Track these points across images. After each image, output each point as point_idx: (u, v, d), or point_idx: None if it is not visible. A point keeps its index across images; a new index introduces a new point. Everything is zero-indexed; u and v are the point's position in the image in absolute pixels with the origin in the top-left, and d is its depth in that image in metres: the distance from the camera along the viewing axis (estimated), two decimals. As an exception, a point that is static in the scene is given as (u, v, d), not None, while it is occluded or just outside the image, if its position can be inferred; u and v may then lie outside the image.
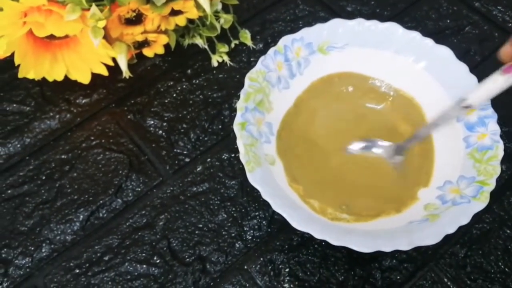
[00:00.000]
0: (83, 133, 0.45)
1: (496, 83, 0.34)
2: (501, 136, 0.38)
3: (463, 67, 0.41)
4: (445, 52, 0.41)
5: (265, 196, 0.34)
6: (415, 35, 0.42)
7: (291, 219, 0.34)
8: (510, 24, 0.52)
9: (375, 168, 0.41)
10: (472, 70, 0.40)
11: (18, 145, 0.45)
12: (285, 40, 0.42)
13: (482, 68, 0.48)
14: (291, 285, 0.38)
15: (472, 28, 0.51)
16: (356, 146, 0.42)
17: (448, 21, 0.52)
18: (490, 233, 0.40)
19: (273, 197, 0.35)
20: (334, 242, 0.33)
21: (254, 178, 0.35)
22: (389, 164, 0.41)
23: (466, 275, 0.38)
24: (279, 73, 0.42)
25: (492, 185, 0.35)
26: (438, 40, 0.42)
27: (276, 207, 0.34)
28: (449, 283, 0.38)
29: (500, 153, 0.37)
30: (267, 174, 0.37)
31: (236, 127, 0.37)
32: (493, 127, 0.38)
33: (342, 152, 0.42)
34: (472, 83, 0.40)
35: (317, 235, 0.33)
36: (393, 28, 0.43)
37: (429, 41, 0.42)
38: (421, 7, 0.53)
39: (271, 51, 0.42)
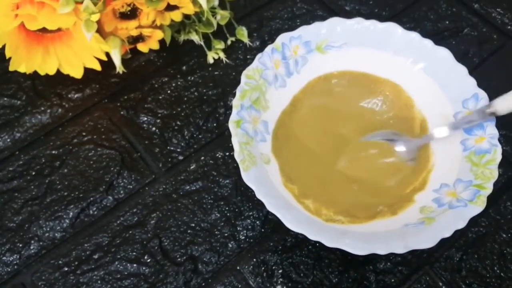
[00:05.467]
0: (74, 128, 0.44)
1: None
2: (499, 140, 0.37)
3: (462, 69, 0.40)
4: (444, 54, 0.41)
5: (259, 195, 0.34)
6: (414, 36, 0.42)
7: (285, 220, 0.33)
8: (509, 27, 0.51)
9: (372, 169, 0.40)
10: (471, 72, 0.40)
11: (8, 140, 0.44)
12: (283, 37, 0.42)
13: (481, 70, 0.48)
14: (284, 287, 0.37)
15: (471, 30, 0.51)
16: (377, 136, 0.41)
17: (447, 22, 0.52)
18: (486, 237, 0.39)
19: (268, 197, 0.34)
20: (329, 243, 0.32)
21: (248, 177, 0.35)
22: (399, 162, 0.40)
23: (461, 279, 0.38)
24: (276, 71, 0.41)
25: (489, 189, 0.35)
26: (436, 42, 0.42)
27: (270, 207, 0.34)
28: (444, 287, 0.37)
29: (498, 157, 0.36)
30: (262, 174, 0.36)
31: (231, 124, 0.37)
32: (491, 131, 0.38)
33: (358, 139, 0.41)
34: (470, 85, 0.39)
35: (312, 236, 0.33)
36: (392, 28, 0.42)
37: (428, 42, 0.41)
38: (420, 8, 0.53)
39: (268, 48, 0.41)
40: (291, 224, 0.33)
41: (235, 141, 0.36)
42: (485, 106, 0.37)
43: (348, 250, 0.32)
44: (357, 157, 0.41)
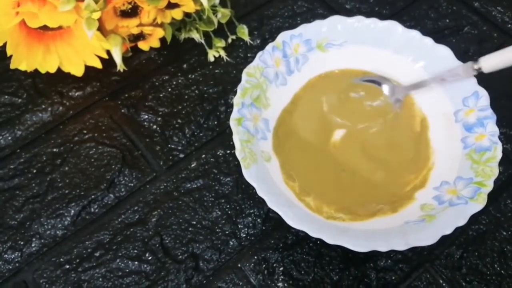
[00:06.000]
0: (75, 126, 0.45)
1: None
2: (499, 137, 0.37)
3: (462, 67, 0.40)
4: (444, 52, 0.41)
5: (260, 193, 0.34)
6: (415, 34, 0.42)
7: (287, 217, 0.33)
8: (509, 25, 0.51)
9: (373, 164, 0.40)
10: (471, 70, 0.40)
11: (9, 138, 0.44)
12: (283, 36, 0.42)
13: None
14: (285, 284, 0.37)
15: (471, 29, 0.51)
16: (362, 79, 0.43)
17: (447, 21, 0.52)
18: (486, 235, 0.39)
19: (269, 195, 0.34)
20: (330, 241, 0.33)
21: (249, 175, 0.35)
22: (386, 105, 0.42)
23: (462, 276, 0.38)
24: (277, 69, 0.42)
25: (490, 186, 0.35)
26: (437, 40, 0.42)
27: (272, 204, 0.34)
28: (444, 284, 0.37)
29: (499, 154, 0.36)
30: (263, 171, 0.36)
31: (232, 122, 0.37)
32: (492, 128, 0.38)
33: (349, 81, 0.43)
34: (471, 83, 0.39)
35: (313, 234, 0.33)
36: (393, 27, 0.42)
37: (428, 40, 0.42)
38: (420, 6, 0.53)
39: (269, 46, 0.41)
40: (292, 221, 0.33)
41: (236, 139, 0.36)
42: (472, 62, 0.38)
43: (349, 247, 0.32)
44: (347, 101, 0.42)
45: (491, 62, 0.37)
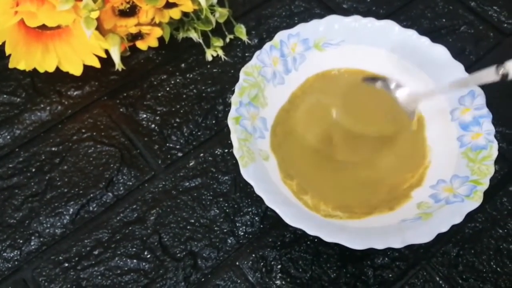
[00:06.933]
0: (74, 125, 0.45)
1: None
2: (495, 136, 0.38)
3: (458, 67, 0.41)
4: (441, 51, 0.41)
5: (258, 191, 0.34)
6: (411, 33, 0.42)
7: (284, 215, 0.34)
8: (505, 25, 0.52)
9: (369, 165, 0.40)
10: (468, 69, 0.40)
11: (8, 137, 0.44)
12: (281, 35, 0.42)
13: (477, 67, 0.47)
14: (283, 282, 0.38)
15: (468, 28, 0.51)
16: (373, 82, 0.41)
17: (444, 20, 0.52)
18: (483, 233, 0.40)
19: (267, 193, 0.34)
20: (327, 238, 0.33)
21: (247, 173, 0.35)
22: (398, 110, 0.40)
23: (458, 274, 0.38)
24: (275, 68, 0.42)
25: (485, 184, 0.35)
26: (433, 39, 0.42)
27: (270, 202, 0.34)
28: (441, 282, 0.38)
29: (494, 153, 0.37)
30: (261, 170, 0.36)
31: (230, 121, 0.37)
32: (488, 127, 0.38)
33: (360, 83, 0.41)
34: (467, 82, 0.40)
35: (310, 231, 0.33)
36: (390, 26, 0.43)
37: (425, 40, 0.42)
38: (416, 5, 0.53)
39: (266, 46, 0.41)
40: (290, 219, 0.33)
41: (234, 138, 0.36)
42: (497, 66, 0.34)
43: (346, 244, 0.33)
44: (356, 152, 0.41)
45: None
